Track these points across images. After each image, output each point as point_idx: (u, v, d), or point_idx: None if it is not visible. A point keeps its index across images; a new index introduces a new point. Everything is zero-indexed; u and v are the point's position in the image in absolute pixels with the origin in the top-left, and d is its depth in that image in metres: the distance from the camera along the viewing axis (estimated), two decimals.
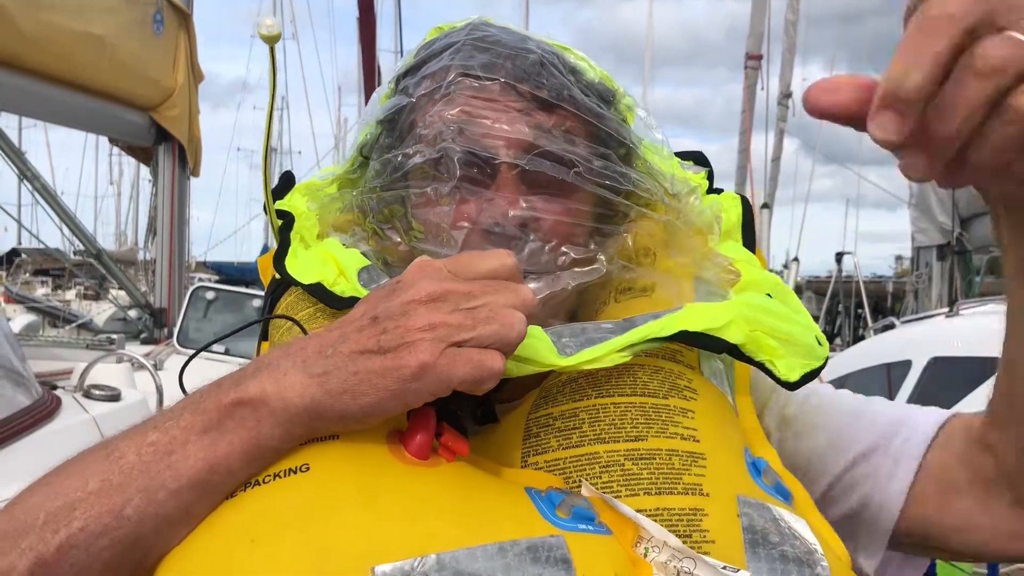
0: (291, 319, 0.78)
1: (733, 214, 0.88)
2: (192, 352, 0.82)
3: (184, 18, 5.93)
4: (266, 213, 0.85)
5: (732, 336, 0.73)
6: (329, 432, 0.62)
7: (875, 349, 4.34)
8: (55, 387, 2.64)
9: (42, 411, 2.23)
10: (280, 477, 0.60)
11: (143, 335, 6.24)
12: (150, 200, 6.65)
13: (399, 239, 0.80)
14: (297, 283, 0.79)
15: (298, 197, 0.89)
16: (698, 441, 0.68)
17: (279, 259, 0.82)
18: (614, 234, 0.81)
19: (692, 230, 0.83)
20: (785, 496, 0.70)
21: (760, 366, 0.75)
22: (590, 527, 0.60)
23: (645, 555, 0.61)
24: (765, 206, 7.52)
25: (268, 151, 0.83)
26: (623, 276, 0.82)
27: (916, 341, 4.05)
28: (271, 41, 0.79)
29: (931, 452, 0.81)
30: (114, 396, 2.66)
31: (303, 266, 0.80)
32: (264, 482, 0.60)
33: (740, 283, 0.81)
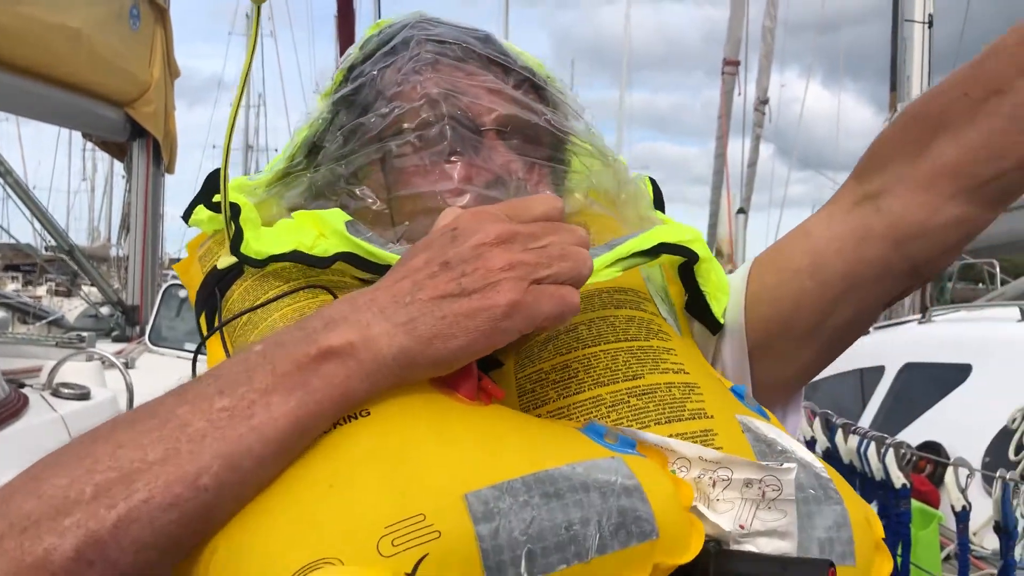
0: (304, 289, 0.76)
1: (649, 189, 0.93)
2: (198, 345, 0.80)
3: (161, 13, 5.88)
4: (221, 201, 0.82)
5: (699, 250, 0.79)
6: (419, 379, 0.61)
7: (848, 354, 4.37)
8: (23, 385, 2.60)
9: (8, 410, 2.20)
10: (340, 424, 0.59)
11: (115, 333, 6.17)
12: (124, 196, 6.59)
13: (372, 199, 0.81)
14: (262, 262, 0.77)
15: (235, 193, 0.87)
16: (688, 373, 0.72)
17: (236, 246, 0.80)
18: (580, 180, 0.88)
19: (631, 188, 0.89)
20: (766, 416, 0.73)
21: (700, 297, 0.80)
22: (636, 452, 0.62)
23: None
24: (741, 211, 7.57)
25: (233, 128, 0.79)
26: (592, 210, 0.87)
27: (889, 347, 4.10)
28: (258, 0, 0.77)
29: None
30: (83, 395, 2.62)
31: (270, 241, 0.78)
32: (324, 432, 0.58)
33: None
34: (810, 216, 0.87)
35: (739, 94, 8.41)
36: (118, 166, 7.21)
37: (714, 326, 0.81)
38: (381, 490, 0.54)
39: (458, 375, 0.63)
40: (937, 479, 3.07)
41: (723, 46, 8.34)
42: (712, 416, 0.68)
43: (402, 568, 0.50)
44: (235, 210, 0.80)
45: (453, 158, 0.79)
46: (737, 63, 8.30)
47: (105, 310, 6.65)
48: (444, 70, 0.82)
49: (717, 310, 0.81)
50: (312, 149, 0.87)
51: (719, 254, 7.93)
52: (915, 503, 2.43)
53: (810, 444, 2.59)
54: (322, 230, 0.77)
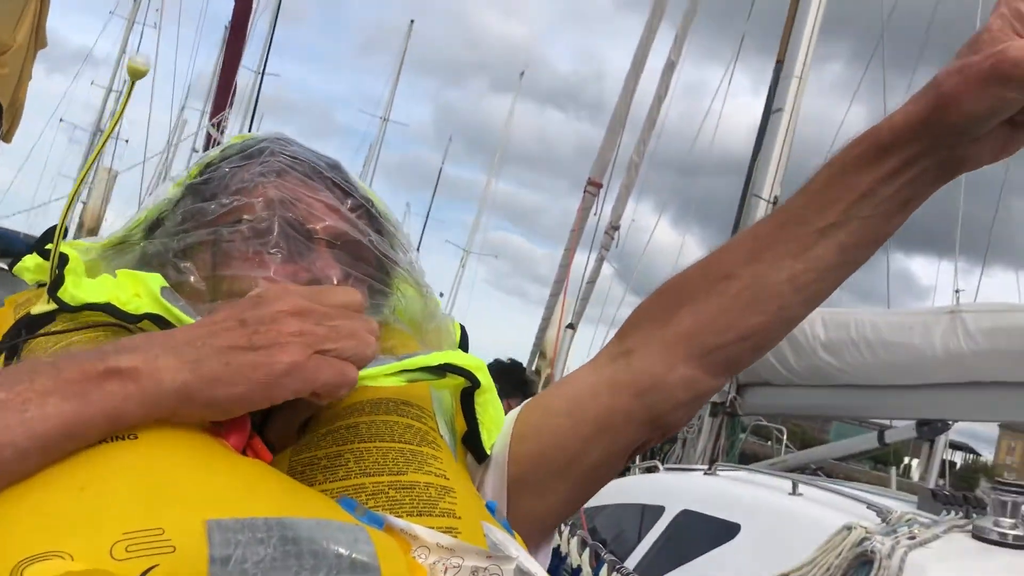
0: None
1: (456, 333, 1.00)
2: None
3: None
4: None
5: (484, 380, 0.86)
6: (194, 419, 0.64)
7: (636, 488, 4.54)
8: None
9: None
10: (108, 441, 0.60)
11: None
12: None
13: (194, 276, 0.85)
14: (76, 308, 0.79)
15: (68, 248, 0.89)
16: (448, 479, 0.77)
17: (54, 289, 0.81)
18: (391, 300, 0.94)
19: (439, 324, 0.97)
20: (511, 532, 0.78)
21: (474, 425, 0.86)
22: (381, 530, 0.65)
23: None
24: (571, 326, 7.82)
25: (75, 196, 0.82)
26: (395, 327, 0.94)
27: (674, 490, 4.28)
28: (136, 76, 0.79)
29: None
30: None
31: (88, 290, 0.80)
32: (91, 445, 0.60)
33: None
34: (580, 366, 0.96)
35: (595, 214, 8.72)
36: None
37: (480, 456, 0.87)
38: (129, 500, 0.56)
39: (232, 425, 0.68)
40: None
41: (591, 165, 8.71)
42: (460, 518, 0.73)
43: (129, 574, 0.52)
44: (63, 260, 0.82)
45: (275, 251, 0.85)
46: (600, 185, 8.63)
47: None
48: (289, 180, 0.89)
49: (487, 441, 0.87)
50: (152, 226, 0.91)
51: (543, 355, 8.11)
52: None
53: (575, 572, 2.66)
54: (138, 290, 0.80)
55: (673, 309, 0.87)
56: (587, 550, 2.67)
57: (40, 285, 0.87)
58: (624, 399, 0.87)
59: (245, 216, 0.86)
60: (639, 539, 4.09)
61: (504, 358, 5.43)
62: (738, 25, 9.41)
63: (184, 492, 0.58)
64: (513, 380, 4.64)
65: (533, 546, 0.88)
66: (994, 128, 0.72)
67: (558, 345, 7.78)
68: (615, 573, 2.51)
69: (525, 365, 4.90)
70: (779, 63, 6.80)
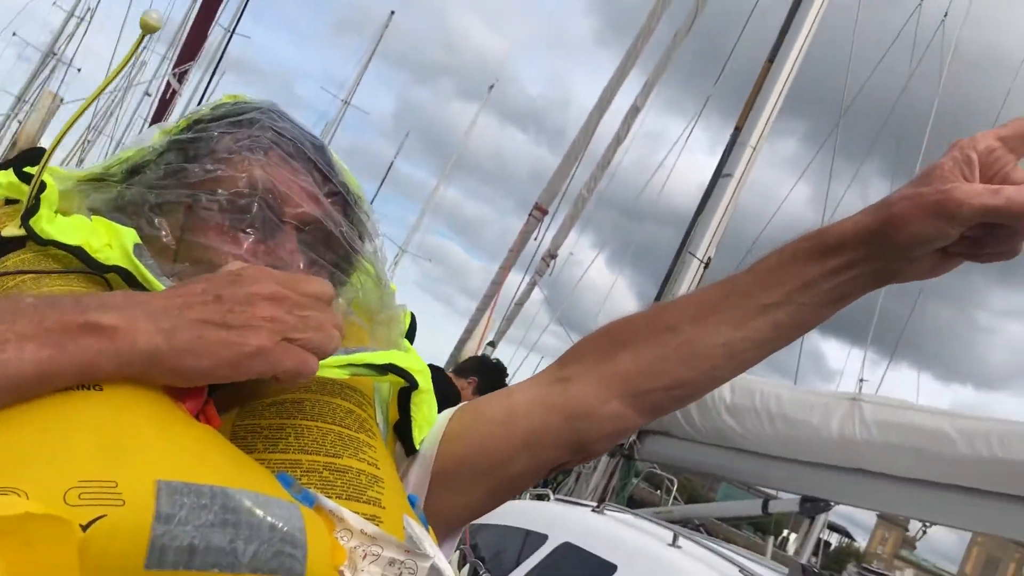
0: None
1: (406, 322, 1.04)
2: None
3: None
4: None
5: (423, 383, 0.92)
6: (158, 382, 0.67)
7: (524, 512, 4.57)
8: None
9: None
10: (74, 389, 0.63)
11: None
12: None
13: (166, 233, 0.87)
14: (50, 242, 0.81)
15: (45, 174, 0.90)
16: (379, 469, 0.81)
17: (27, 217, 0.83)
18: (350, 292, 0.98)
19: (391, 313, 1.00)
20: (426, 526, 0.82)
21: (407, 419, 0.92)
22: (312, 509, 0.69)
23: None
24: (491, 344, 7.87)
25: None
26: (348, 319, 0.94)
27: (560, 521, 4.32)
28: (148, 30, 0.81)
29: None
30: None
31: (64, 228, 0.82)
32: (58, 391, 0.62)
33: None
34: (520, 382, 1.02)
35: (536, 239, 8.78)
36: None
37: (410, 449, 0.93)
38: (89, 450, 0.59)
39: (190, 392, 0.70)
40: None
41: (541, 191, 8.78)
42: (384, 508, 0.77)
43: (78, 520, 0.54)
44: (40, 187, 0.84)
45: (249, 231, 0.88)
46: (546, 212, 8.70)
47: None
48: (274, 159, 0.92)
49: (417, 436, 0.93)
50: (132, 170, 0.93)
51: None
52: None
53: None
54: (111, 241, 0.82)
55: (616, 349, 0.94)
56: (467, 566, 2.70)
57: (8, 202, 0.88)
58: (555, 420, 0.93)
59: (226, 189, 0.89)
60: (517, 563, 4.12)
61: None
62: (706, 84, 9.63)
63: (140, 450, 0.61)
64: (493, 380, 4.59)
65: (441, 539, 0.93)
66: (929, 252, 0.82)
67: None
68: None
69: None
70: (737, 130, 6.99)
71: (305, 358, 0.71)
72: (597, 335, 0.98)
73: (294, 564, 0.62)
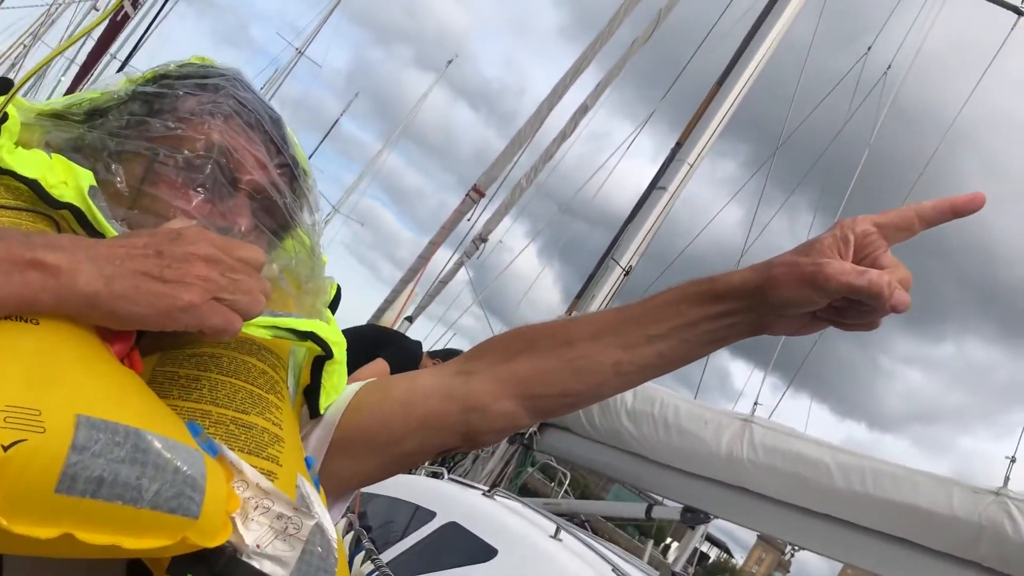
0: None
1: (332, 293, 1.11)
2: None
3: None
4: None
5: (338, 354, 1.00)
6: (92, 323, 0.72)
7: (416, 487, 4.63)
8: None
9: None
10: (12, 319, 0.67)
11: None
12: None
13: (121, 180, 0.92)
14: (7, 172, 0.85)
15: (9, 106, 0.94)
16: (281, 429, 0.88)
17: None
18: (283, 259, 1.04)
19: (319, 283, 1.07)
20: (318, 488, 0.88)
21: (316, 384, 0.99)
22: (215, 458, 0.75)
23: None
24: (409, 319, 7.89)
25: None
26: (278, 284, 1.02)
27: (450, 500, 4.39)
28: None
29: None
30: None
31: (22, 160, 0.87)
32: None
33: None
34: (427, 368, 1.11)
35: (469, 219, 8.75)
36: None
37: (314, 412, 1.00)
38: (18, 377, 0.63)
39: (119, 336, 0.76)
40: None
41: (482, 173, 8.79)
42: (281, 466, 0.84)
43: (1, 441, 0.59)
44: (3, 117, 0.88)
45: (200, 190, 0.94)
46: (483, 195, 8.68)
47: None
48: (233, 126, 0.98)
49: (324, 402, 1.00)
50: (94, 112, 0.98)
51: None
52: None
53: None
54: (67, 179, 0.86)
55: (517, 353, 1.01)
56: (351, 533, 2.75)
57: None
58: (452, 409, 1.00)
59: (184, 148, 0.94)
60: (403, 536, 4.17)
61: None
62: (660, 93, 9.78)
63: (66, 385, 0.66)
64: None
65: (332, 501, 1.00)
66: (799, 314, 0.91)
67: (394, 326, 7.81)
68: (369, 562, 2.60)
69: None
70: (678, 145, 7.14)
71: (231, 317, 0.76)
72: (506, 336, 1.06)
73: (191, 505, 0.68)
